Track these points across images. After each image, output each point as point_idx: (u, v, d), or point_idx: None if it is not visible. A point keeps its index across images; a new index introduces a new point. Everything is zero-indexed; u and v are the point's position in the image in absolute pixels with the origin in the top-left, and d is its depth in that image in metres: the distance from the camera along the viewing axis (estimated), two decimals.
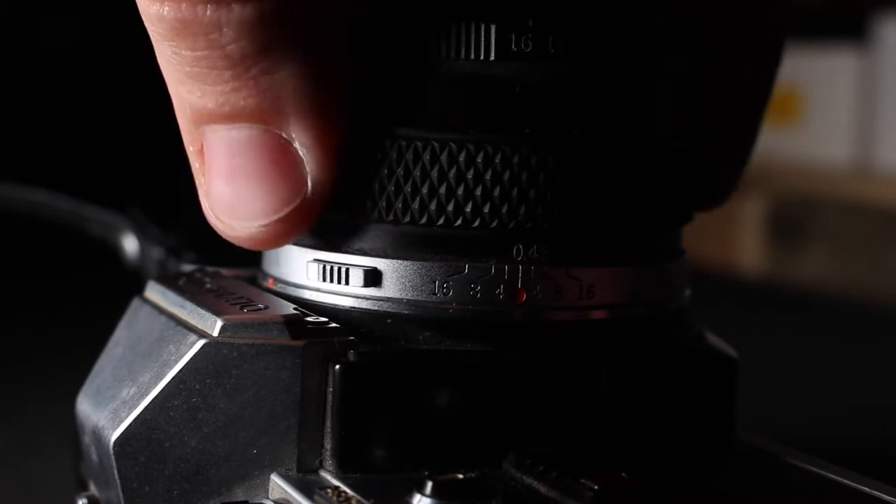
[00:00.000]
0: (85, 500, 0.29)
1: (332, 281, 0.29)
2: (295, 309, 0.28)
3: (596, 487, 0.25)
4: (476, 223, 0.27)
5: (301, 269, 0.29)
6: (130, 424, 0.27)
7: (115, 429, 0.27)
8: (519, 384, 0.28)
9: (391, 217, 0.28)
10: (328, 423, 0.27)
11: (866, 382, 0.59)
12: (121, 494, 0.27)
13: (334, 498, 0.25)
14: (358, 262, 0.28)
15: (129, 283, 0.35)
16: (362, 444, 0.27)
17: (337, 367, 0.26)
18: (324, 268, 0.29)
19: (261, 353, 0.27)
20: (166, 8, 0.26)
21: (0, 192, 0.43)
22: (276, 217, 0.27)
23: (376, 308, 0.28)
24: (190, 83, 0.27)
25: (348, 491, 0.25)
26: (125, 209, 0.41)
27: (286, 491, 0.26)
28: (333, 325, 0.27)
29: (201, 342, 0.27)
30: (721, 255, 1.09)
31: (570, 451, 0.27)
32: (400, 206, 0.28)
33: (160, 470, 0.27)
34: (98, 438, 0.28)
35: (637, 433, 0.29)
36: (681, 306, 0.31)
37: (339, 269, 0.28)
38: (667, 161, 0.29)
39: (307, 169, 0.27)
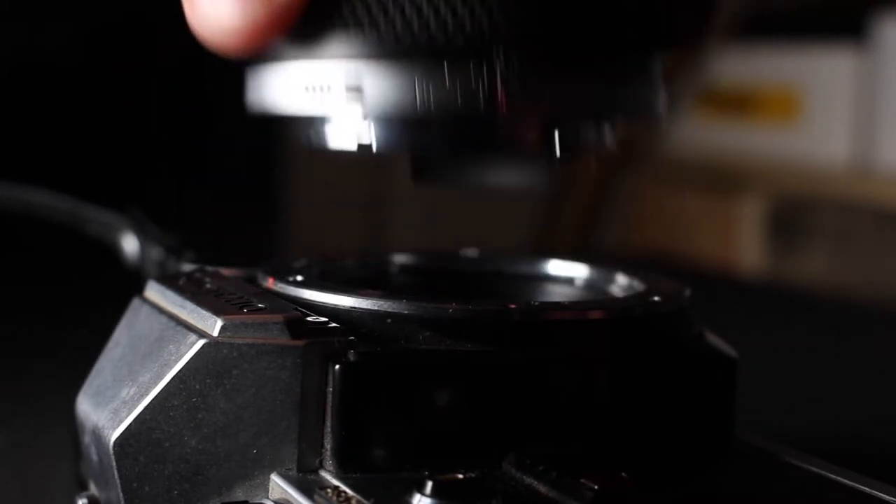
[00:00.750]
0: (85, 500, 0.29)
1: (316, 92, 0.28)
2: (295, 309, 0.28)
3: (596, 487, 0.25)
4: (455, 28, 0.27)
5: (287, 89, 0.29)
6: (130, 424, 0.27)
7: (115, 429, 0.27)
8: (518, 384, 0.28)
9: (372, 26, 0.27)
10: (328, 423, 0.27)
11: (866, 382, 0.59)
12: (121, 494, 0.27)
13: (334, 498, 0.25)
14: (340, 75, 0.28)
15: (128, 283, 0.35)
16: (362, 444, 0.27)
17: (337, 366, 0.26)
18: (308, 84, 0.28)
19: (261, 353, 0.27)
20: None
21: (2, 191, 0.42)
22: (251, 11, 0.27)
23: (376, 308, 0.28)
24: None
25: (348, 491, 0.25)
26: (124, 209, 0.41)
27: (286, 491, 0.26)
28: (333, 325, 0.27)
29: (201, 342, 0.27)
30: (720, 255, 1.09)
31: (569, 451, 0.27)
32: (379, 15, 0.27)
33: (160, 470, 0.27)
34: (98, 438, 0.28)
35: (637, 433, 0.29)
36: (681, 305, 0.31)
37: (324, 84, 0.28)
38: None
39: None
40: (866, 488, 0.27)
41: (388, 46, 0.27)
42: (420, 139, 0.28)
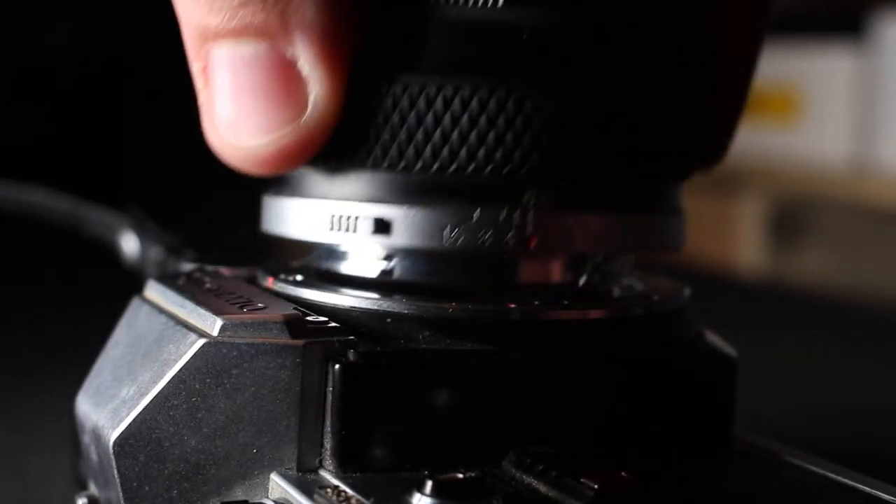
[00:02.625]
0: (85, 500, 0.29)
1: (340, 229, 0.28)
2: (295, 308, 0.28)
3: (596, 486, 0.25)
4: (487, 169, 0.27)
5: (310, 221, 0.29)
6: (130, 424, 0.27)
7: (114, 428, 0.27)
8: (519, 383, 0.28)
9: (402, 164, 0.27)
10: (328, 423, 0.27)
11: (866, 382, 0.59)
12: (120, 494, 0.27)
13: (334, 497, 0.25)
14: (366, 212, 0.28)
15: (129, 282, 0.35)
16: (362, 444, 0.27)
17: (337, 366, 0.26)
18: (332, 217, 0.29)
19: (260, 353, 0.27)
20: None
21: (1, 191, 0.42)
22: (277, 135, 0.27)
23: (376, 307, 0.28)
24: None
25: (348, 490, 0.25)
26: (124, 208, 0.41)
27: (286, 490, 0.26)
28: (333, 324, 0.27)
29: (201, 342, 0.27)
30: (720, 255, 1.09)
31: (569, 451, 0.27)
32: (411, 152, 0.27)
33: (160, 469, 0.27)
34: (98, 438, 0.28)
35: (637, 432, 0.29)
36: (681, 305, 0.31)
37: (347, 218, 0.28)
38: (664, 109, 0.29)
39: (311, 89, 0.27)
40: (867, 488, 0.27)
41: (417, 185, 0.28)
42: (445, 273, 0.28)
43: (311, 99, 0.27)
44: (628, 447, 0.28)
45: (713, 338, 0.32)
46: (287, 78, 0.27)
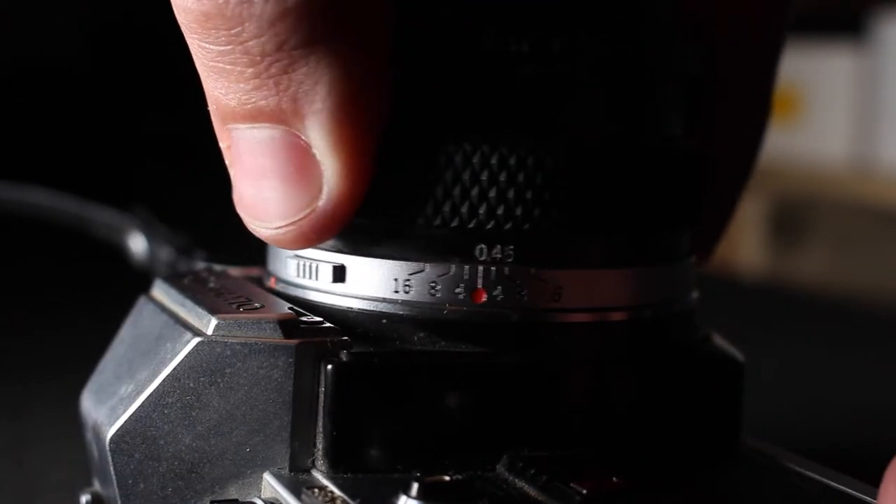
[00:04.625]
0: (88, 496, 0.30)
1: (306, 276, 0.29)
2: (291, 308, 0.28)
3: (584, 492, 0.25)
4: (437, 222, 0.27)
5: (283, 263, 0.30)
6: (126, 421, 0.27)
7: (111, 425, 0.27)
8: (514, 386, 0.27)
9: (361, 216, 0.28)
10: (320, 423, 0.27)
11: (866, 383, 0.59)
12: (116, 491, 0.27)
13: (321, 498, 0.25)
14: (326, 259, 0.29)
15: (139, 282, 0.35)
16: (354, 444, 0.27)
17: (329, 366, 0.26)
18: (299, 264, 0.29)
19: (254, 352, 0.27)
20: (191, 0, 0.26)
21: (8, 193, 0.43)
22: (291, 221, 0.27)
23: (372, 308, 0.28)
24: (215, 78, 0.26)
25: (335, 491, 0.25)
26: (132, 209, 0.41)
27: (276, 490, 0.26)
28: (328, 324, 0.27)
29: (195, 340, 0.27)
30: (720, 254, 1.08)
31: (564, 454, 0.27)
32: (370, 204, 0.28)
33: (155, 467, 0.27)
34: (97, 435, 0.28)
35: (640, 435, 0.29)
36: (687, 308, 0.31)
37: (310, 265, 0.29)
38: (648, 163, 0.29)
39: (325, 173, 0.26)
40: (866, 497, 0.27)
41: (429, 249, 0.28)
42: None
43: (325, 184, 0.27)
44: (632, 451, 0.28)
45: (721, 341, 0.31)
46: (302, 163, 0.26)
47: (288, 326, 0.27)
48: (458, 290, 0.27)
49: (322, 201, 0.27)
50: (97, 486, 0.30)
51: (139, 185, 1.01)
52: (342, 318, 0.28)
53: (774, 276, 1.06)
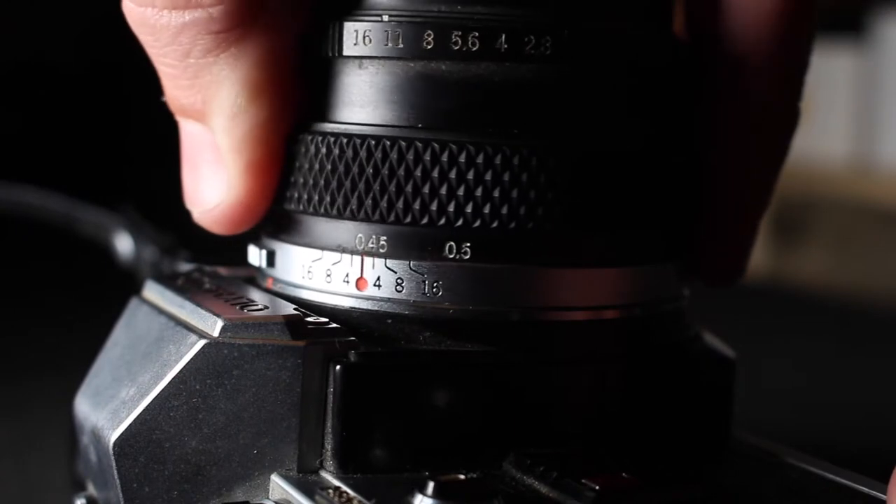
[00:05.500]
0: (83, 501, 0.29)
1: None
2: (295, 309, 0.28)
3: (597, 488, 0.25)
4: (333, 212, 0.28)
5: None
6: (131, 425, 0.27)
7: (114, 429, 0.27)
8: (519, 384, 0.28)
9: (289, 205, 0.29)
10: (329, 424, 0.27)
11: (866, 382, 0.60)
12: (120, 495, 0.27)
13: (336, 498, 0.25)
14: (261, 244, 0.30)
15: (124, 282, 0.35)
16: (363, 445, 0.26)
17: (338, 367, 0.26)
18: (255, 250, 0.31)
19: (261, 354, 0.27)
20: (130, 4, 0.28)
21: None
22: (207, 210, 0.29)
23: (376, 308, 0.28)
24: (162, 73, 0.29)
25: (349, 491, 0.25)
26: (118, 208, 0.40)
27: (287, 491, 0.26)
28: (334, 325, 0.27)
29: (202, 342, 0.27)
30: None
31: (569, 452, 0.27)
32: (294, 195, 0.29)
33: (160, 470, 0.27)
34: (97, 439, 0.28)
35: (636, 433, 0.29)
36: (678, 307, 0.31)
37: (257, 249, 0.31)
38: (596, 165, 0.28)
39: (228, 173, 0.29)
40: (864, 488, 0.27)
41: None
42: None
43: (229, 180, 0.29)
44: (627, 448, 0.28)
45: (712, 339, 0.32)
46: (216, 159, 0.29)
47: (295, 327, 0.27)
48: (345, 279, 0.28)
49: (228, 196, 0.29)
50: (92, 490, 0.29)
51: (128, 183, 1.01)
52: (345, 319, 0.28)
53: (774, 275, 1.06)
